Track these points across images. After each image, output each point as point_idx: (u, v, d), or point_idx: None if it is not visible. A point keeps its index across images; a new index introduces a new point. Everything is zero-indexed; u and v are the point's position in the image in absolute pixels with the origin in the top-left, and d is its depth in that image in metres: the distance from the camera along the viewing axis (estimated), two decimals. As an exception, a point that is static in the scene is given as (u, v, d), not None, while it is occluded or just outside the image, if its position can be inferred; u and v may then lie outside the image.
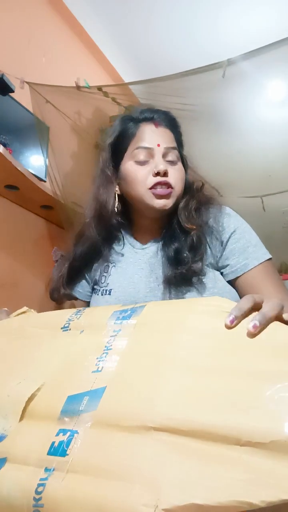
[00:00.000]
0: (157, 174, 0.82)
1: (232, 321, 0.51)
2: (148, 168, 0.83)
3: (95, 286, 0.93)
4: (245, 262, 0.82)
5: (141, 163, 0.84)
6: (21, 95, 1.65)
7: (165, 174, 0.82)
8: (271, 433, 0.35)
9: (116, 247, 0.93)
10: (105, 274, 0.91)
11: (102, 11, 2.30)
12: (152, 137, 0.84)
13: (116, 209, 0.89)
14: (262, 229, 0.96)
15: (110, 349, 0.53)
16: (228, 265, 0.83)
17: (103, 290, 0.89)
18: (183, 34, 2.43)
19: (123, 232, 0.93)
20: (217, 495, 0.33)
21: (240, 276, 0.82)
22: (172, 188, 0.83)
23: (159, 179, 0.82)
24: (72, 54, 2.29)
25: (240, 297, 0.87)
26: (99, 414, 0.43)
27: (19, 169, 1.42)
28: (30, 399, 0.49)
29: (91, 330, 0.59)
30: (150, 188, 0.82)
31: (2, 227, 1.62)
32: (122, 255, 0.92)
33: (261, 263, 0.82)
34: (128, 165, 0.85)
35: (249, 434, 0.35)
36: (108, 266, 0.92)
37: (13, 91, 1.50)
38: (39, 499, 0.39)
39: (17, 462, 0.44)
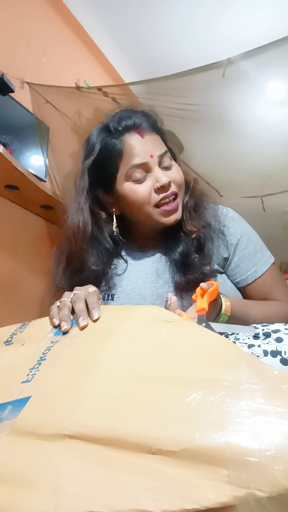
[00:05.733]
0: (160, 188, 0.77)
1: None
2: (147, 184, 0.78)
3: None
4: (254, 269, 0.82)
5: (139, 181, 0.77)
6: (21, 95, 1.65)
7: (169, 185, 0.78)
8: (182, 441, 0.34)
9: (115, 255, 0.89)
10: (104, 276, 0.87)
11: (102, 11, 2.30)
12: (142, 150, 0.77)
13: (115, 232, 0.84)
14: (262, 229, 0.96)
15: (44, 359, 0.53)
16: (237, 272, 0.83)
17: (104, 294, 0.85)
18: (183, 34, 2.43)
19: (121, 239, 0.87)
20: (117, 502, 0.32)
21: (251, 283, 0.82)
22: (177, 197, 0.80)
23: (163, 194, 0.77)
24: (72, 54, 2.29)
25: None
26: (17, 422, 0.44)
27: (19, 169, 1.42)
28: None
29: (31, 342, 0.60)
30: (157, 206, 0.78)
31: (2, 227, 1.62)
32: (123, 259, 0.88)
33: (268, 268, 0.83)
34: (126, 187, 0.79)
35: (160, 442, 0.35)
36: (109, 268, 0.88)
37: (13, 91, 1.50)
38: None
39: None
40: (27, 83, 1.74)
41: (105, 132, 0.81)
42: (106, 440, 0.37)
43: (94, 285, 0.84)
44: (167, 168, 0.80)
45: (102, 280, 0.85)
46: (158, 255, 0.86)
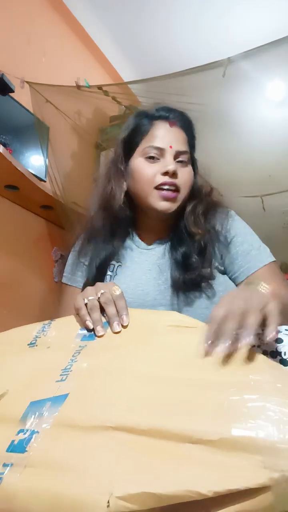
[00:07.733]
0: (166, 173, 0.81)
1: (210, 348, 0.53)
2: (157, 167, 0.82)
3: None
4: (247, 266, 0.83)
5: (151, 161, 0.83)
6: (21, 95, 1.65)
7: (174, 174, 0.81)
8: (220, 432, 0.39)
9: (122, 246, 0.91)
10: (110, 273, 0.89)
11: (102, 10, 2.30)
12: (165, 137, 0.83)
13: (123, 204, 0.87)
14: (262, 229, 0.96)
15: (76, 361, 0.56)
16: (232, 269, 0.84)
17: None
18: (183, 33, 2.43)
19: (129, 212, 0.91)
20: (168, 484, 0.36)
21: (243, 280, 0.83)
22: (178, 191, 0.82)
23: (167, 179, 0.81)
24: (72, 54, 2.29)
25: None
26: (59, 416, 0.46)
27: (19, 169, 1.42)
28: None
29: (57, 346, 0.63)
30: (157, 188, 0.81)
31: (2, 227, 1.62)
32: (128, 254, 0.90)
33: (265, 265, 0.83)
34: (138, 162, 0.84)
35: (200, 433, 0.39)
36: (114, 265, 0.90)
37: (13, 91, 1.50)
38: None
39: None
40: (27, 83, 1.74)
41: (142, 115, 0.88)
42: (149, 431, 0.41)
43: (101, 274, 0.87)
44: (181, 164, 0.84)
45: (112, 259, 0.89)
46: (162, 253, 0.88)
